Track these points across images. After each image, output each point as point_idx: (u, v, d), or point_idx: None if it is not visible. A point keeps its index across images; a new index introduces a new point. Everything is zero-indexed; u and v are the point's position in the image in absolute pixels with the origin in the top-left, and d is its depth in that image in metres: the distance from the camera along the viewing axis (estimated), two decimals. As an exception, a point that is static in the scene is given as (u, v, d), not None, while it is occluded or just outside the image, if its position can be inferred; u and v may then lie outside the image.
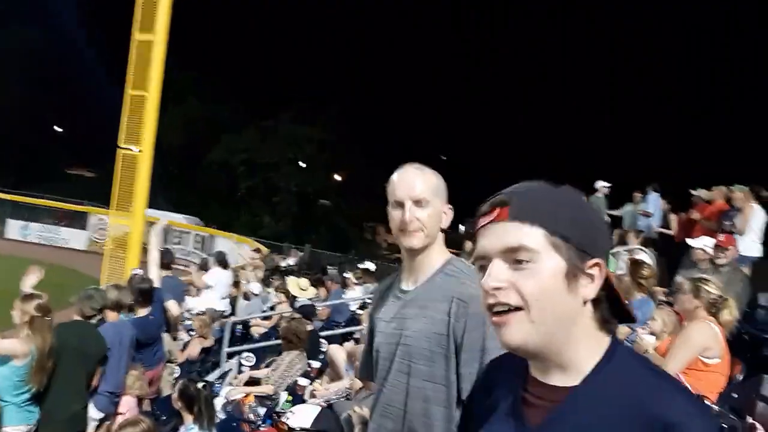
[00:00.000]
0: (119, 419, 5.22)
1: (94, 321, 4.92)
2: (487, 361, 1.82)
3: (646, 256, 6.13)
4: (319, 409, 2.40)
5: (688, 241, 6.18)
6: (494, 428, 1.15)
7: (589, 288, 1.06)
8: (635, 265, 5.30)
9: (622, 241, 8.61)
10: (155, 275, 6.37)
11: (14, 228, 25.38)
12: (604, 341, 1.08)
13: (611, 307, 1.09)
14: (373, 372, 2.03)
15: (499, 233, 1.06)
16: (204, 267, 11.86)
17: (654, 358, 3.79)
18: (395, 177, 1.98)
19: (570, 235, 1.05)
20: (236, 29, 42.43)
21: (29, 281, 4.86)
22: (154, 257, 6.71)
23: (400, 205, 1.93)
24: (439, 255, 1.98)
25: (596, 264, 1.05)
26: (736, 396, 3.61)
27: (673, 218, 10.30)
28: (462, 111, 45.36)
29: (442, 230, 1.99)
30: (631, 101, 36.52)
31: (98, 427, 4.93)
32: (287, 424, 2.22)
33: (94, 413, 4.85)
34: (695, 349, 3.64)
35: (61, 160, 40.51)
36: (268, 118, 35.71)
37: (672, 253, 8.80)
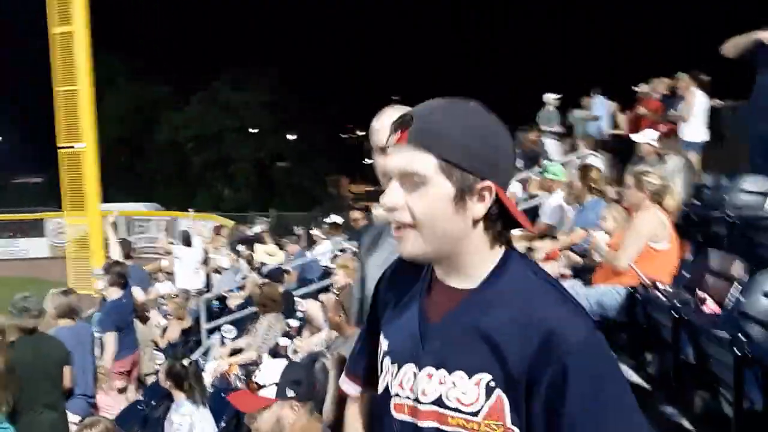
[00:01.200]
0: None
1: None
2: None
3: (595, 160, 6.24)
4: (286, 362, 2.46)
5: (632, 136, 6.30)
6: (398, 320, 1.25)
7: (478, 208, 1.12)
8: (584, 169, 5.42)
9: (573, 149, 8.75)
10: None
11: (-30, 248, 24.68)
12: (498, 251, 1.17)
13: (505, 221, 1.16)
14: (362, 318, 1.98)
15: (399, 156, 1.13)
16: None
17: (608, 254, 3.93)
18: (375, 122, 1.83)
19: (461, 160, 1.10)
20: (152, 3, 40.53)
21: None
22: (115, 251, 6.71)
23: (384, 151, 1.76)
24: None
25: (487, 187, 1.11)
26: (687, 274, 3.77)
27: (622, 118, 10.47)
28: (407, 48, 44.73)
29: None
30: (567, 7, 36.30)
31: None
32: (256, 382, 2.27)
33: (72, 417, 4.87)
34: (644, 238, 3.78)
35: (4, 171, 39.26)
36: (204, 90, 34.90)
37: (625, 152, 9.00)
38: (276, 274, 7.31)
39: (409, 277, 1.28)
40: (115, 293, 6.23)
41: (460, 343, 1.12)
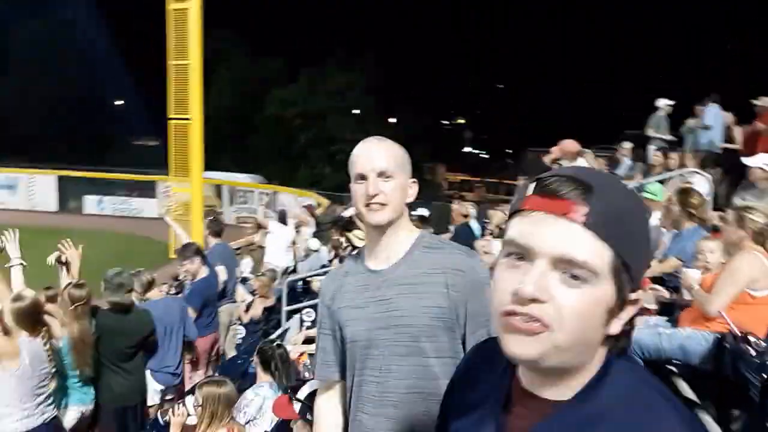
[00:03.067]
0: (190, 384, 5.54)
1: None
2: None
3: (700, 180, 5.80)
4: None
5: (745, 160, 5.81)
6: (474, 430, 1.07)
7: (621, 322, 0.93)
8: (684, 193, 5.04)
9: (680, 164, 8.20)
10: None
11: (91, 203, 26.57)
12: (602, 353, 0.96)
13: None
14: (348, 366, 1.91)
15: (563, 236, 0.88)
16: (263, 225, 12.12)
17: (699, 295, 3.64)
18: (356, 150, 1.90)
19: (632, 262, 0.90)
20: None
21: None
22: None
23: (363, 178, 1.85)
24: (407, 231, 1.91)
25: (638, 298, 0.93)
26: (787, 329, 3.44)
27: (738, 131, 9.73)
28: (512, 37, 43.62)
29: (407, 205, 1.90)
30: (686, 13, 33.99)
31: (162, 398, 5.23)
32: (296, 397, 2.31)
33: (155, 385, 5.13)
34: (742, 283, 3.47)
35: (127, 132, 41.82)
36: (313, 68, 35.57)
37: (737, 169, 8.33)
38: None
39: (483, 377, 1.09)
40: (202, 272, 6.46)
41: None
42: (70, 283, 4.65)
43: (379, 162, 1.84)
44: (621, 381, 0.93)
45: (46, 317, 4.36)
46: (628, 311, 0.92)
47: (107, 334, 4.71)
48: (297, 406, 2.31)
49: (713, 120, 10.05)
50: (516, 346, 0.90)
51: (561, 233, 0.88)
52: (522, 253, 0.90)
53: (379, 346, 1.83)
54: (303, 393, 2.35)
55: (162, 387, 5.28)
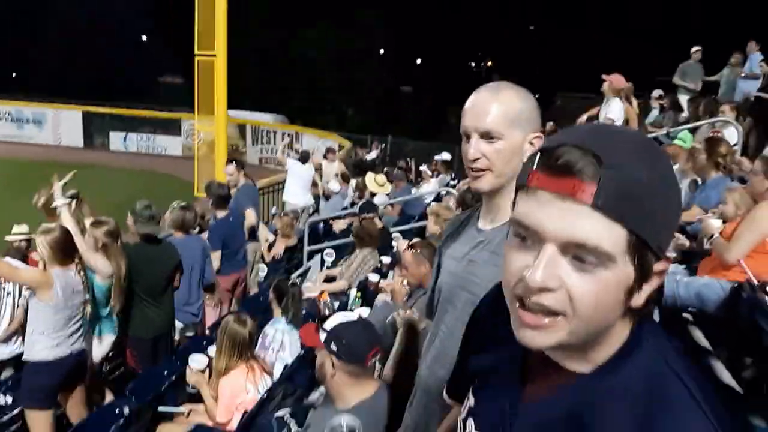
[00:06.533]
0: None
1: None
2: None
3: (730, 131, 5.67)
4: (356, 319, 2.56)
5: (778, 111, 5.68)
6: (491, 382, 1.06)
7: (644, 295, 0.84)
8: (712, 142, 4.96)
9: (711, 113, 8.01)
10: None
11: (116, 140, 26.79)
12: (627, 326, 0.89)
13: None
14: (432, 311, 1.83)
15: (570, 217, 0.79)
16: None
17: (718, 244, 3.63)
18: (467, 103, 1.63)
19: (653, 237, 0.81)
20: None
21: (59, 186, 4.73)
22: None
23: (467, 136, 1.61)
24: None
25: (664, 270, 0.83)
26: (805, 280, 3.43)
27: (774, 79, 9.48)
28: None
29: None
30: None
31: (182, 335, 5.41)
32: (323, 327, 2.43)
33: (176, 324, 5.30)
34: (761, 232, 3.45)
35: (152, 69, 41.70)
36: (338, 8, 34.84)
37: (768, 120, 8.11)
38: (367, 209, 7.41)
39: (503, 320, 0.95)
40: (221, 212, 6.55)
41: None
42: (98, 221, 4.74)
43: (484, 120, 1.57)
44: (645, 360, 0.86)
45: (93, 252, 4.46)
46: (653, 283, 0.84)
47: (141, 266, 4.81)
48: (323, 336, 2.41)
49: (757, 68, 9.81)
50: (528, 338, 0.85)
51: (568, 216, 0.79)
52: (528, 234, 0.84)
53: (455, 305, 1.71)
54: (330, 324, 2.45)
55: (181, 324, 5.43)
